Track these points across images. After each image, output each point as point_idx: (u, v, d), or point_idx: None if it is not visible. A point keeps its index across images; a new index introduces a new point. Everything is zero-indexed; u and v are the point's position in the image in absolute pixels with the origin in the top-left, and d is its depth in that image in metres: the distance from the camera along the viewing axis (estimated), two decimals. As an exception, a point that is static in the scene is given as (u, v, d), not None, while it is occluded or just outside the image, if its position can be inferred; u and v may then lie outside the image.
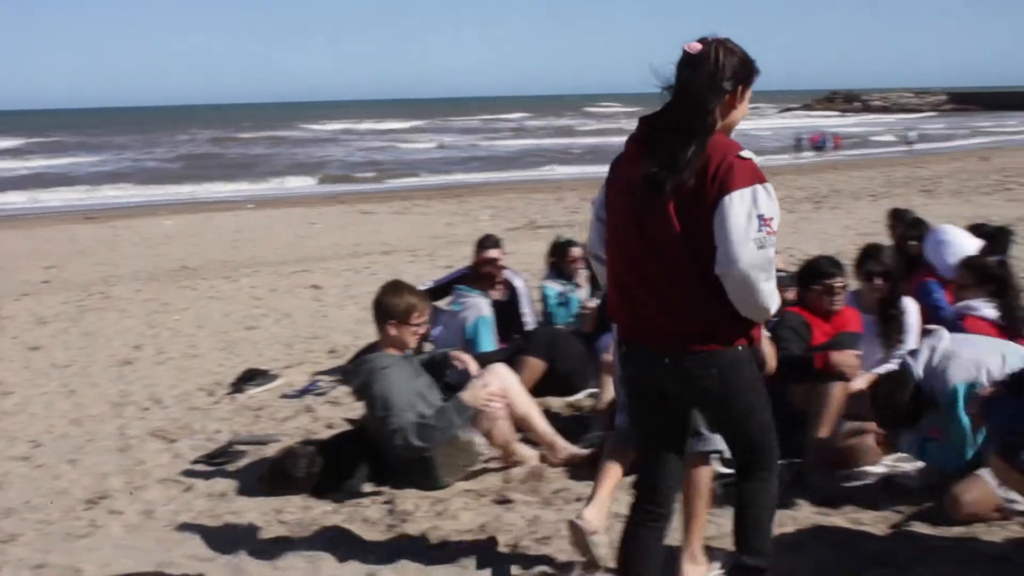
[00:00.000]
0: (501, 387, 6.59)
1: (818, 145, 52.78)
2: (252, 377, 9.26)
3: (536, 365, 7.84)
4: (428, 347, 7.87)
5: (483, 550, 5.29)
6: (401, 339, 6.51)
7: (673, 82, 3.83)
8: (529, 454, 6.54)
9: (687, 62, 3.80)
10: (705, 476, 4.73)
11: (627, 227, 3.92)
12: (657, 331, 3.90)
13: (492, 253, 9.18)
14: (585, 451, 6.52)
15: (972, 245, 7.91)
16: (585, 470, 6.36)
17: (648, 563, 4.13)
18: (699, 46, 3.80)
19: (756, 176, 3.70)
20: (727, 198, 3.63)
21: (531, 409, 6.70)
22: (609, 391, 7.16)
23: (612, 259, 4.07)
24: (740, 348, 3.89)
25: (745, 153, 3.74)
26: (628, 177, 3.90)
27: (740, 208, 3.63)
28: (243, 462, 7.02)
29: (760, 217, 3.64)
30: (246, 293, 14.59)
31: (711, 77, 3.77)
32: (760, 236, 3.63)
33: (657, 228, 3.79)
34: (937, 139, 56.00)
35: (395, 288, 6.64)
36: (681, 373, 3.89)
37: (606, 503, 4.95)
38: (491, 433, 6.36)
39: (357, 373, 6.49)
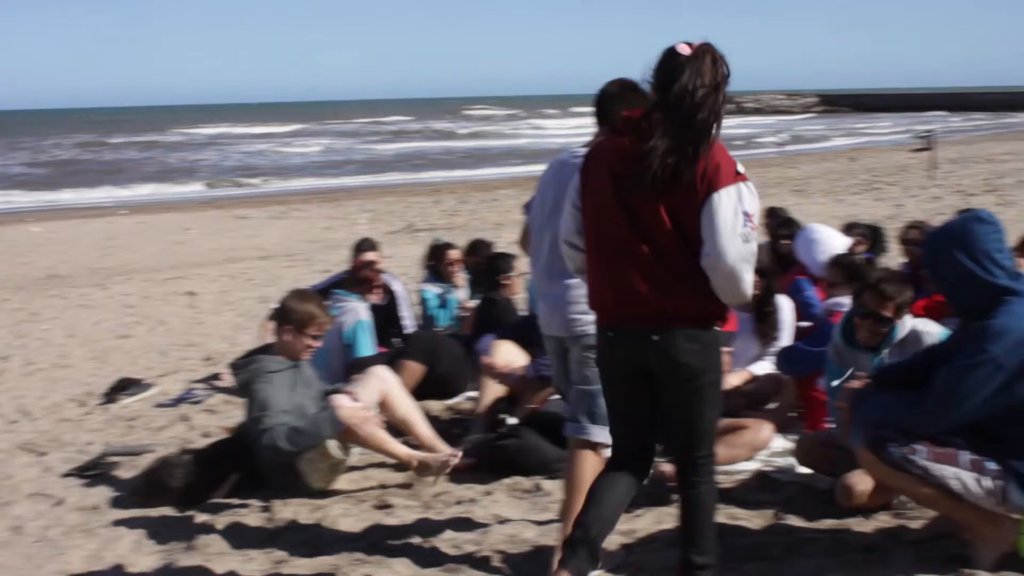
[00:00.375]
0: (381, 390, 6.58)
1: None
2: (125, 386, 9.07)
3: (415, 369, 7.83)
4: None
5: (364, 556, 5.25)
6: (294, 347, 6.45)
7: (655, 81, 4.06)
8: (411, 454, 6.36)
9: (683, 62, 3.98)
10: (589, 470, 4.77)
11: (614, 213, 4.10)
12: (646, 311, 4.06)
13: (369, 256, 9.14)
14: (466, 461, 6.46)
15: (841, 243, 8.11)
16: (465, 474, 6.39)
17: (619, 503, 4.33)
18: (689, 49, 4.00)
19: (739, 175, 3.97)
20: (715, 195, 3.90)
21: (412, 412, 6.68)
22: (489, 394, 7.19)
23: (597, 245, 4.23)
24: (717, 328, 4.15)
25: (729, 153, 4.02)
26: (613, 167, 4.10)
27: (728, 204, 3.90)
28: (117, 474, 6.86)
29: (745, 213, 3.93)
30: (119, 301, 14.28)
31: (713, 77, 3.97)
32: (745, 231, 3.92)
33: (647, 216, 4.01)
34: (812, 140, 57.24)
35: (301, 295, 6.66)
36: (668, 348, 4.06)
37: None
38: (363, 441, 6.30)
39: (244, 369, 6.42)
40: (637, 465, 4.41)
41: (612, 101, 4.69)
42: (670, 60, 4.03)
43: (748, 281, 4.00)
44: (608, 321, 4.27)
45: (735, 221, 3.91)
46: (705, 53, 4.00)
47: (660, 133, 3.96)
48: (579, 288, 4.69)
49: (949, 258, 4.51)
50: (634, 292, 4.08)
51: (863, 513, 5.36)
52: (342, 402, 6.26)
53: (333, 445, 6.19)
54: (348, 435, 6.25)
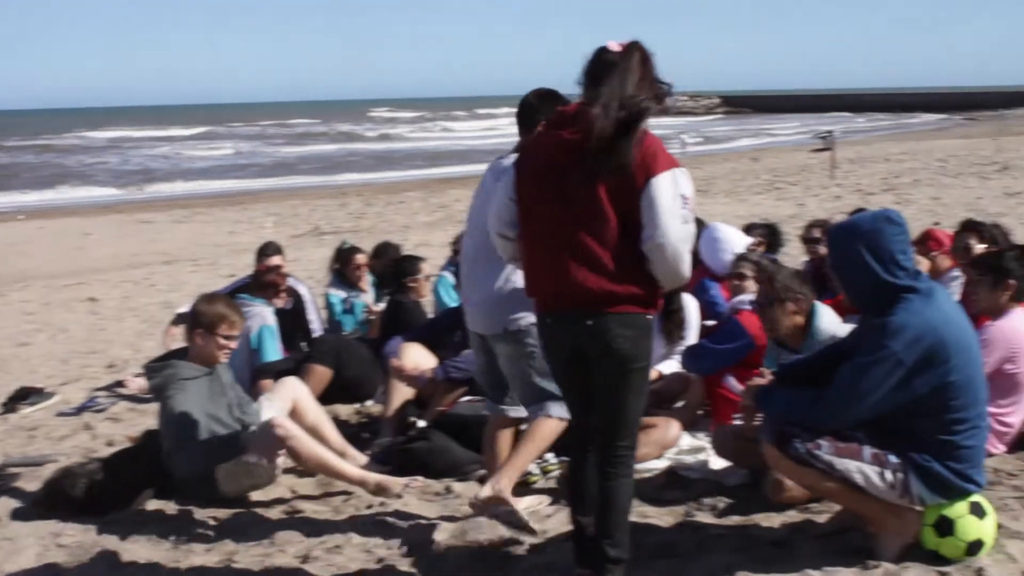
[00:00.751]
0: (292, 399, 6.53)
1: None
2: (25, 395, 8.88)
3: (323, 373, 7.77)
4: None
5: (275, 563, 5.21)
6: (208, 351, 6.34)
7: (590, 75, 4.30)
8: (366, 476, 6.21)
9: (613, 59, 4.25)
10: (504, 433, 5.31)
11: (552, 203, 4.27)
12: (583, 295, 4.21)
13: (274, 260, 9.07)
14: (382, 468, 6.41)
15: (743, 242, 8.22)
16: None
17: (595, 489, 4.51)
18: (619, 46, 4.28)
19: (673, 161, 4.20)
20: (654, 181, 4.10)
21: (322, 420, 6.64)
22: (397, 397, 7.17)
23: (535, 235, 4.40)
24: (650, 317, 4.30)
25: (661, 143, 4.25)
26: (552, 159, 4.29)
27: (666, 188, 4.11)
28: (18, 485, 6.69)
29: (682, 196, 4.15)
30: (17, 308, 14.02)
31: (643, 71, 4.25)
32: (684, 213, 4.15)
33: (587, 204, 4.18)
34: (720, 140, 57.95)
35: (208, 298, 6.59)
36: (601, 333, 4.23)
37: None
38: (309, 465, 6.23)
39: (158, 373, 6.31)
40: (594, 442, 4.56)
41: (532, 111, 5.04)
42: (600, 57, 4.29)
43: (687, 262, 4.21)
44: (546, 307, 4.44)
45: (673, 204, 4.11)
46: (634, 50, 4.26)
47: (598, 126, 4.13)
48: (503, 287, 4.99)
49: (853, 254, 4.58)
50: (571, 279, 4.22)
51: (790, 507, 5.42)
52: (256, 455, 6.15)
53: (260, 462, 6.11)
54: (296, 460, 6.20)
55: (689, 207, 4.18)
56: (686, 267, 4.23)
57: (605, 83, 4.20)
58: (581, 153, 4.19)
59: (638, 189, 4.12)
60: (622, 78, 4.19)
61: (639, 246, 4.16)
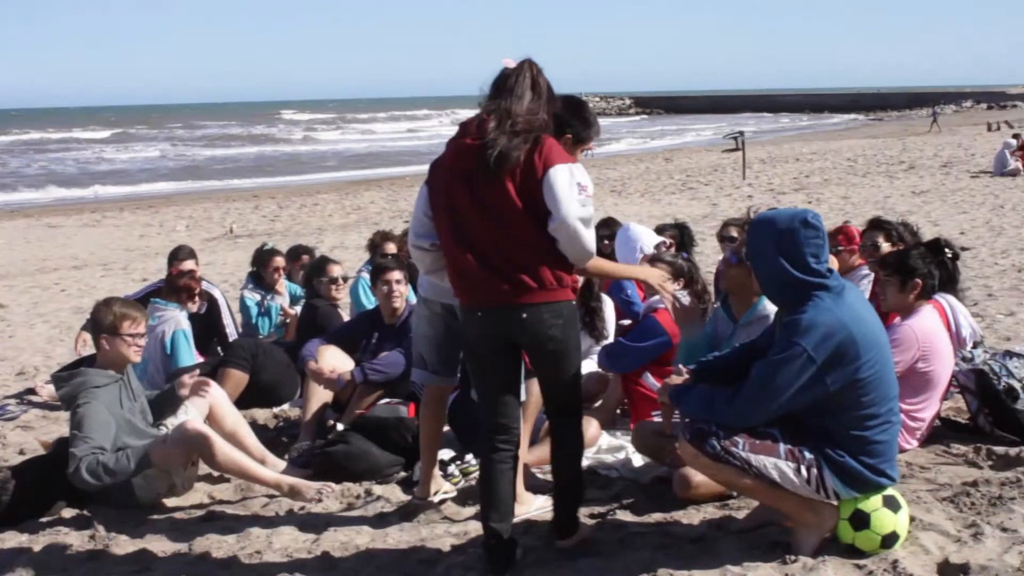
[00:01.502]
0: (209, 403, 6.46)
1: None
2: (-67, 405, 8.67)
3: (239, 377, 7.71)
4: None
5: (194, 570, 5.14)
6: (116, 353, 6.24)
7: (491, 90, 4.82)
8: (280, 479, 6.18)
9: (508, 74, 4.80)
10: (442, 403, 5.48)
11: (467, 207, 4.73)
12: (509, 289, 4.69)
13: (187, 265, 8.97)
14: (304, 472, 6.38)
15: (652, 241, 8.29)
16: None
17: (509, 488, 4.95)
18: (513, 63, 4.82)
19: (568, 158, 4.77)
20: (552, 171, 4.63)
21: (239, 425, 6.57)
22: (315, 400, 7.12)
23: (455, 238, 4.80)
24: (572, 302, 4.85)
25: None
26: (460, 167, 4.75)
27: (563, 177, 4.64)
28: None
29: (579, 184, 4.68)
30: (-80, 316, 13.64)
31: (534, 85, 4.78)
32: (581, 198, 4.67)
33: (499, 203, 4.66)
34: (640, 139, 58.48)
35: (105, 301, 6.49)
36: (535, 324, 4.72)
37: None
38: (224, 468, 6.13)
39: (68, 382, 6.19)
40: (508, 435, 4.96)
41: (559, 121, 5.10)
42: (499, 74, 4.82)
43: (588, 237, 4.68)
44: (476, 303, 4.83)
45: (571, 190, 4.62)
46: (524, 65, 4.82)
47: (494, 129, 4.64)
48: None
49: (765, 249, 4.64)
50: (496, 275, 4.69)
51: (697, 503, 5.48)
52: (155, 443, 6.06)
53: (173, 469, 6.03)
54: (210, 463, 6.10)
55: (586, 194, 4.69)
56: (588, 243, 4.69)
57: (502, 97, 4.74)
58: (481, 156, 4.63)
59: (539, 180, 4.61)
60: (515, 93, 4.72)
61: (548, 233, 4.64)
